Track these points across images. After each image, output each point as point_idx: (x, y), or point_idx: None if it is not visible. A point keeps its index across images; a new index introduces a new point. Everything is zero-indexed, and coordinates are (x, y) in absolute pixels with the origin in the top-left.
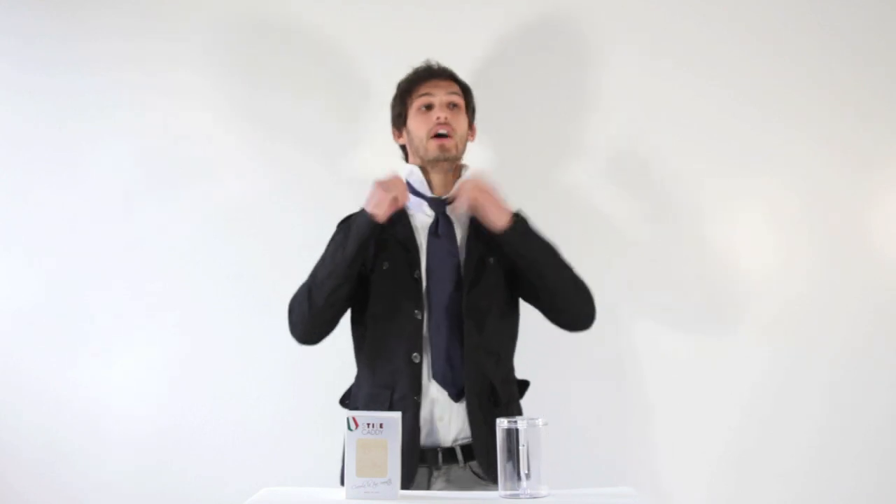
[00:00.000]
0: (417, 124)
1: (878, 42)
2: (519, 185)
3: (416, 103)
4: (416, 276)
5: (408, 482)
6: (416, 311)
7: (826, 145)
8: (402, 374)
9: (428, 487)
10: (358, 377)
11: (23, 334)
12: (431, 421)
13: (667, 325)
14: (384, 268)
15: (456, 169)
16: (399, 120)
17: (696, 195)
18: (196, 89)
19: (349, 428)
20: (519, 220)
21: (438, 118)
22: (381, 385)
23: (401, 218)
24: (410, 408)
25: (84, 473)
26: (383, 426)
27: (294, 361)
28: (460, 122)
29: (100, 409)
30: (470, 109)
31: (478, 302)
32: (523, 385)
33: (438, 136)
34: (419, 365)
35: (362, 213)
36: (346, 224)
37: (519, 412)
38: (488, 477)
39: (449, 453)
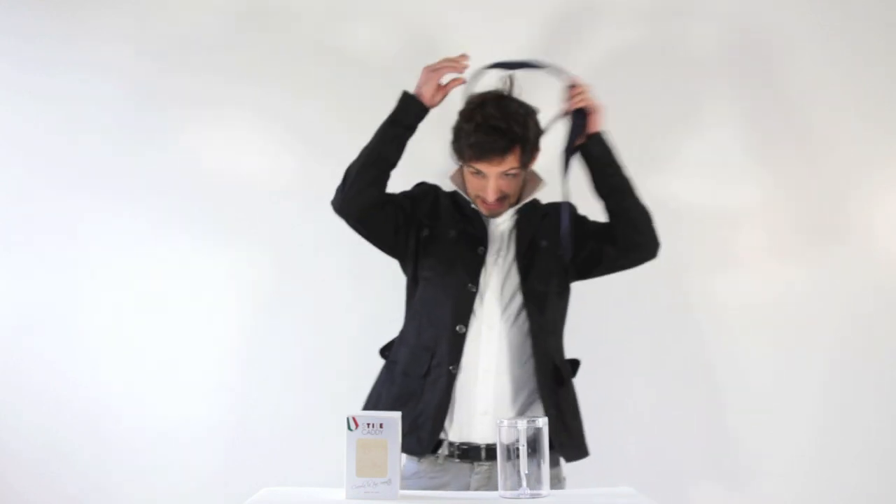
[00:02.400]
0: (468, 180)
1: (878, 43)
2: None
3: (467, 168)
4: (479, 251)
5: (429, 450)
6: (470, 285)
7: (826, 146)
8: (444, 341)
9: (467, 485)
10: (403, 332)
11: (23, 334)
12: (470, 413)
13: (668, 325)
14: (450, 235)
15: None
16: (455, 155)
17: (695, 196)
18: (196, 89)
19: (349, 428)
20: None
21: (489, 200)
22: (422, 347)
23: (469, 205)
24: (444, 376)
25: (84, 473)
26: (383, 426)
27: (295, 362)
28: (515, 184)
29: (100, 409)
30: (532, 152)
31: (535, 285)
32: (574, 364)
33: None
34: (462, 336)
35: (406, 94)
36: (421, 186)
37: (574, 392)
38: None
39: (492, 448)
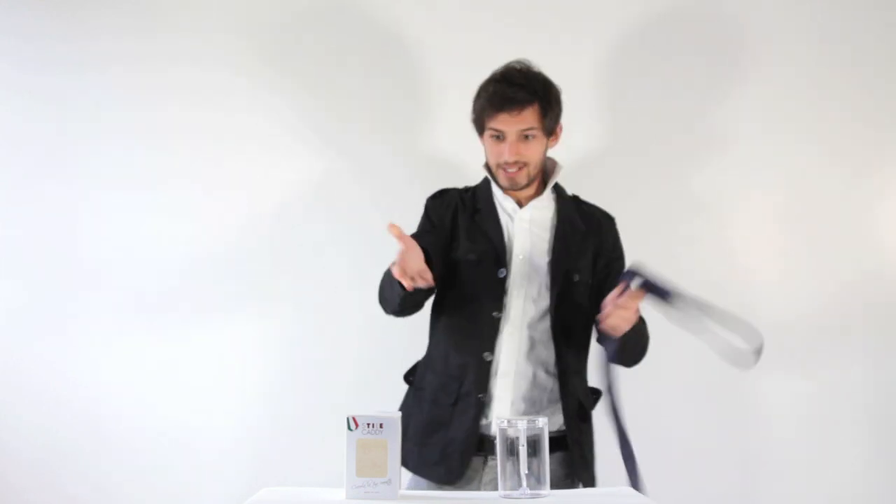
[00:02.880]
0: (489, 149)
1: (877, 45)
2: None
3: (487, 132)
4: (500, 275)
5: (461, 472)
6: (494, 312)
7: (824, 147)
8: (471, 369)
9: (480, 477)
10: (430, 358)
11: (23, 334)
12: (491, 415)
13: (668, 325)
14: (470, 258)
15: (539, 173)
16: (476, 124)
17: (695, 196)
18: (196, 89)
19: (349, 428)
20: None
21: (507, 161)
22: (451, 375)
23: (490, 210)
24: (473, 405)
25: (84, 473)
26: (383, 426)
27: (295, 362)
28: (534, 150)
29: (100, 409)
30: (552, 119)
31: (564, 320)
32: (595, 393)
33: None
34: (489, 364)
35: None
36: (439, 200)
37: (592, 425)
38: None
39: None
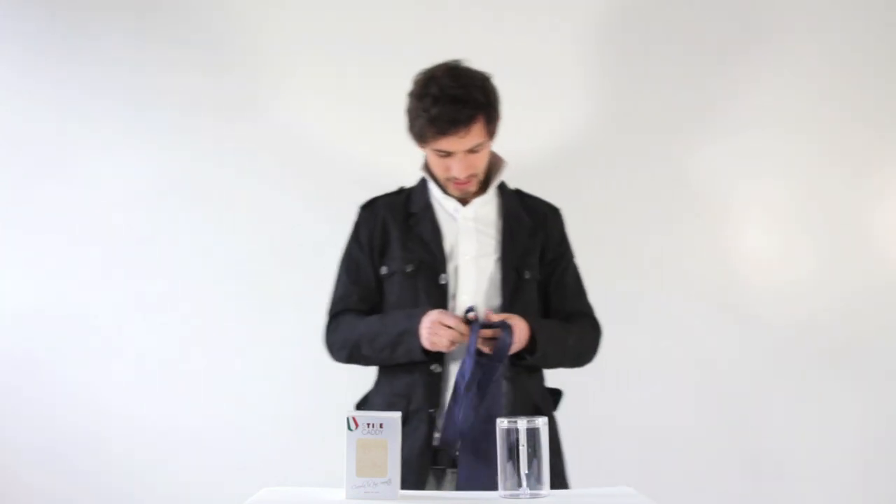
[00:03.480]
0: (433, 162)
1: (877, 44)
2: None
3: (431, 149)
4: (441, 281)
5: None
6: None
7: (824, 147)
8: (420, 384)
9: (438, 487)
10: (378, 383)
11: (23, 334)
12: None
13: (668, 325)
14: (407, 270)
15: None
16: (415, 139)
17: (694, 198)
18: (196, 89)
19: (349, 428)
20: (539, 347)
21: (457, 177)
22: (397, 394)
23: (426, 214)
24: (425, 421)
25: (84, 473)
26: (383, 426)
27: (295, 362)
28: (483, 159)
29: (100, 409)
30: (495, 120)
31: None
32: (555, 394)
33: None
34: (439, 376)
35: (416, 336)
36: (369, 211)
37: (556, 428)
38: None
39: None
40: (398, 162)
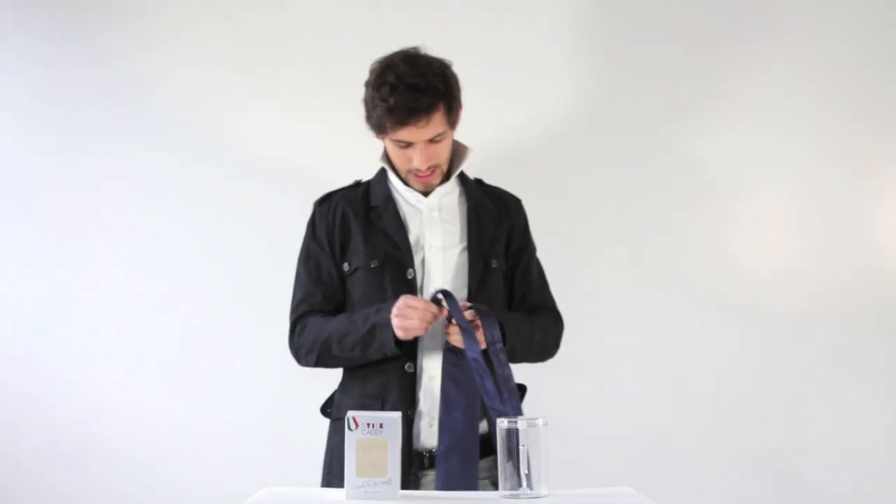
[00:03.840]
0: (393, 153)
1: (877, 44)
2: None
3: (390, 139)
4: (409, 276)
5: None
6: None
7: (824, 147)
8: (394, 385)
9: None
10: (344, 384)
11: (23, 334)
12: (421, 429)
13: (668, 325)
14: (372, 266)
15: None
16: (374, 129)
17: (693, 198)
18: (196, 88)
19: (349, 428)
20: (507, 341)
21: (418, 168)
22: (370, 395)
23: (388, 207)
24: (403, 423)
25: (84, 473)
26: (383, 426)
27: (295, 361)
28: (444, 149)
29: (100, 408)
30: (456, 109)
31: (482, 299)
32: (521, 389)
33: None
34: (413, 375)
35: (387, 328)
36: (325, 207)
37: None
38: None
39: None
40: None
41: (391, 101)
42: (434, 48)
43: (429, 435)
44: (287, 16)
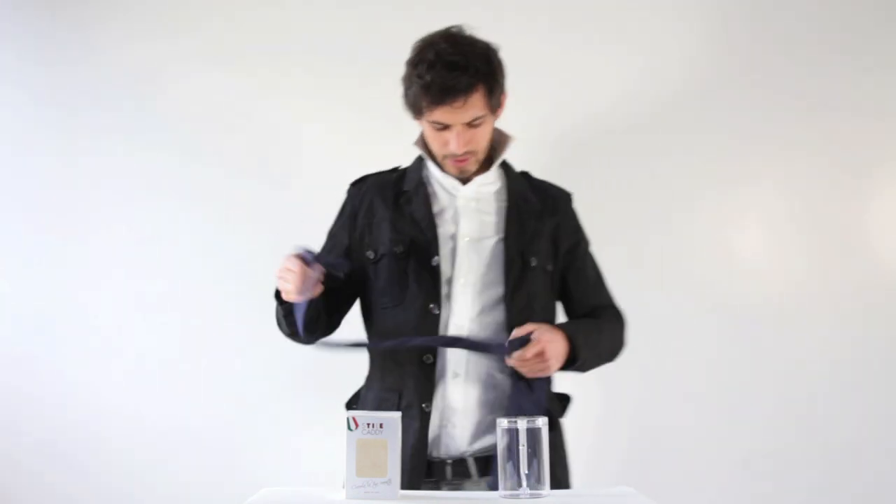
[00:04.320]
0: (430, 136)
1: (877, 45)
2: None
3: (427, 121)
4: (433, 263)
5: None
6: (431, 305)
7: (824, 148)
8: (411, 377)
9: None
10: (368, 378)
11: (23, 334)
12: (439, 428)
13: (667, 325)
14: (396, 251)
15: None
16: (410, 109)
17: (692, 198)
18: (196, 88)
19: (349, 428)
20: (580, 355)
21: (454, 153)
22: (389, 388)
23: (418, 192)
24: (417, 417)
25: (84, 474)
26: (383, 426)
27: (295, 361)
28: (483, 135)
29: (100, 409)
30: (498, 94)
31: (520, 310)
32: (563, 399)
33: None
34: (432, 366)
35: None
36: (357, 188)
37: (562, 436)
38: None
39: (460, 466)
40: (399, 162)
41: (427, 77)
42: None
43: (451, 435)
44: (287, 16)
